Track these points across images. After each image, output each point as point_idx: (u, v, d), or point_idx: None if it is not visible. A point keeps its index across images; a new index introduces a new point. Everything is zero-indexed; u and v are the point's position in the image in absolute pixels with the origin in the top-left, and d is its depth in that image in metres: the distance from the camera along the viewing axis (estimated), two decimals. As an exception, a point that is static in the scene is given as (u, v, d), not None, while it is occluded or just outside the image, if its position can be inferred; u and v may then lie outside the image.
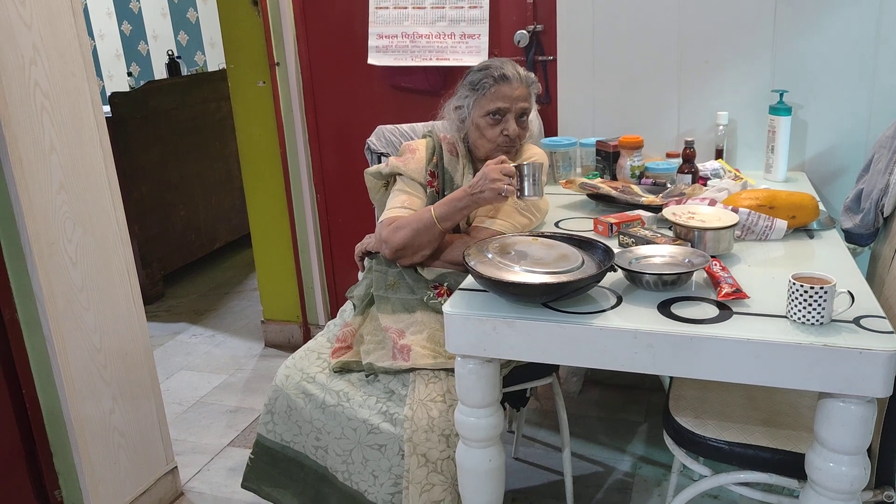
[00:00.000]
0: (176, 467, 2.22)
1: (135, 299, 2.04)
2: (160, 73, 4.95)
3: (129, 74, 4.87)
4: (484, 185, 1.65)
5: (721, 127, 2.25)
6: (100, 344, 1.92)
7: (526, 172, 1.67)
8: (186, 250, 4.03)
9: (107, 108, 3.49)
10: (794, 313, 1.24)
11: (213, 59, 4.85)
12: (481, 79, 1.80)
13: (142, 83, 3.91)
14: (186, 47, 4.88)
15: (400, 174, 1.90)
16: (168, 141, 3.85)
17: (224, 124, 4.13)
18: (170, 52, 4.64)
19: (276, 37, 2.77)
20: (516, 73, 1.81)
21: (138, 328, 2.06)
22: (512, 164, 1.66)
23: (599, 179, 2.13)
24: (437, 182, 1.88)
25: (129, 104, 3.56)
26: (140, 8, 4.91)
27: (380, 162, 2.13)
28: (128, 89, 4.19)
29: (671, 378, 1.72)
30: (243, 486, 1.85)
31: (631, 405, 2.57)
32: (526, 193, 1.67)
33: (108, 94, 3.55)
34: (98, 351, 1.92)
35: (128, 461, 2.03)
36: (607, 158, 2.22)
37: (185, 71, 4.71)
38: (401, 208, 1.83)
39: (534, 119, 2.22)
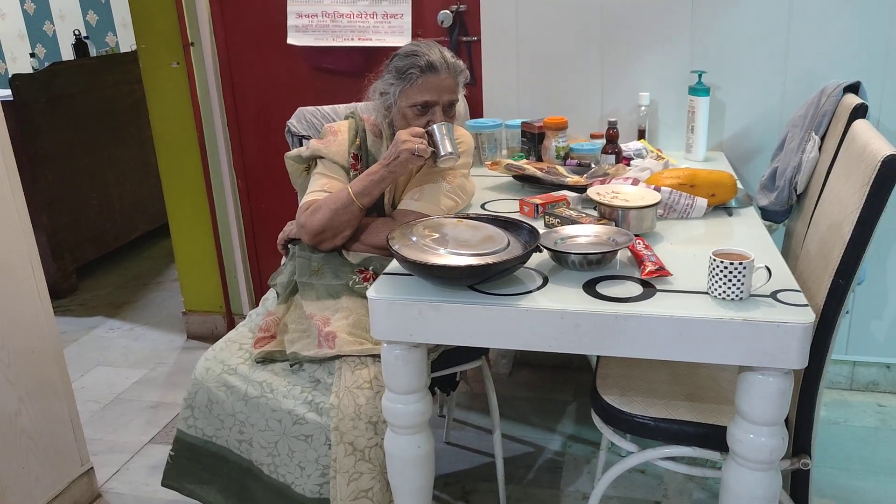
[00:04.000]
0: (92, 468, 2.11)
1: (41, 293, 1.92)
2: (68, 54, 4.69)
3: (33, 55, 4.60)
4: (397, 150, 1.63)
5: (643, 108, 2.28)
6: (2, 342, 1.80)
7: (437, 133, 1.66)
8: (101, 241, 3.84)
9: (7, 92, 3.28)
10: (715, 289, 1.26)
11: (126, 40, 4.61)
12: (408, 67, 1.72)
13: (46, 65, 3.68)
14: (96, 28, 4.63)
15: (321, 157, 1.84)
16: (78, 126, 3.64)
17: (138, 108, 3.94)
18: (76, 33, 4.39)
19: (189, 15, 2.65)
20: (444, 61, 1.73)
21: (45, 324, 1.94)
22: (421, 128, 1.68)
23: (525, 161, 2.12)
24: (361, 165, 1.83)
25: (32, 87, 3.35)
26: (44, -15, 4.63)
27: (301, 145, 2.06)
28: (31, 71, 3.94)
29: (598, 357, 1.74)
30: (164, 484, 1.77)
31: (560, 385, 2.60)
32: (441, 153, 1.66)
33: (10, 75, 3.33)
34: (0, 349, 1.79)
35: (38, 464, 1.91)
36: (532, 140, 2.21)
37: (94, 52, 4.47)
38: (321, 192, 1.77)
39: (459, 101, 2.19)
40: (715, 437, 1.42)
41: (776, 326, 1.17)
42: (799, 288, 1.30)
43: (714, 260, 1.25)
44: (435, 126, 1.67)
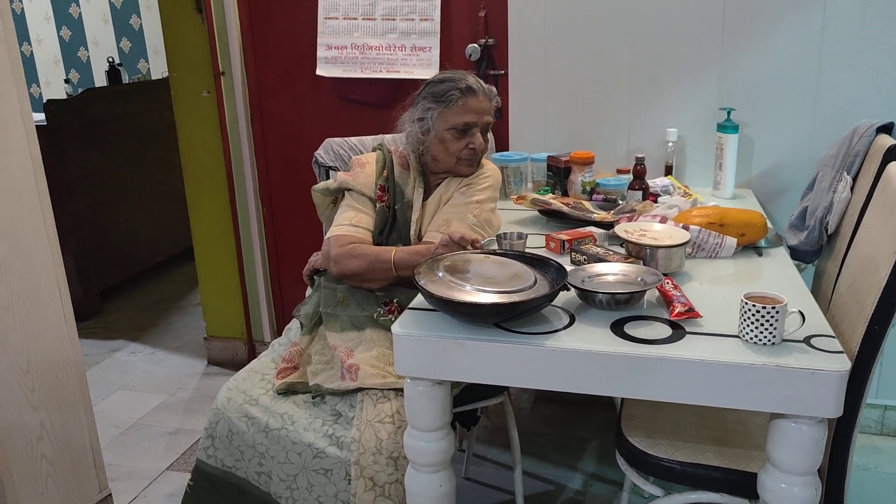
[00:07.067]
0: (110, 495, 2.10)
1: (66, 317, 1.93)
2: (101, 80, 4.78)
3: (67, 81, 4.70)
4: (451, 250, 1.60)
5: (670, 144, 2.26)
6: (27, 366, 1.81)
7: (507, 245, 1.63)
8: (126, 264, 3.88)
9: (42, 116, 3.35)
10: (747, 333, 1.23)
11: (158, 67, 4.70)
12: (448, 90, 1.76)
13: (80, 90, 3.76)
14: (129, 54, 4.73)
15: (349, 189, 1.85)
16: (108, 151, 3.71)
17: (168, 134, 3.98)
18: (110, 59, 4.49)
19: (221, 45, 2.69)
20: (480, 85, 1.80)
21: (70, 347, 1.95)
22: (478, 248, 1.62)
23: (551, 195, 2.11)
24: (388, 196, 1.83)
25: (65, 112, 3.42)
26: (80, 13, 4.75)
27: (328, 176, 2.07)
28: (65, 97, 4.03)
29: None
30: (181, 514, 1.76)
31: (582, 422, 2.55)
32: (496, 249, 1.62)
33: (45, 101, 3.40)
34: (25, 373, 1.80)
35: (57, 490, 1.91)
36: (558, 174, 2.21)
37: (126, 79, 4.56)
38: (349, 226, 1.78)
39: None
40: (743, 484, 1.38)
41: (810, 373, 1.14)
42: (833, 334, 1.26)
43: (746, 303, 1.22)
44: (514, 242, 1.64)
